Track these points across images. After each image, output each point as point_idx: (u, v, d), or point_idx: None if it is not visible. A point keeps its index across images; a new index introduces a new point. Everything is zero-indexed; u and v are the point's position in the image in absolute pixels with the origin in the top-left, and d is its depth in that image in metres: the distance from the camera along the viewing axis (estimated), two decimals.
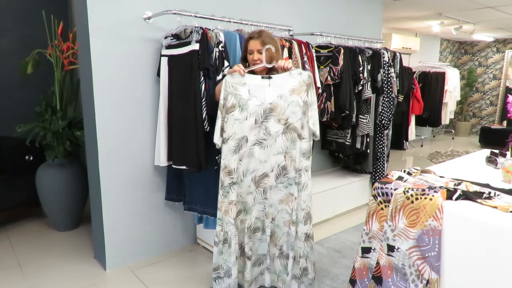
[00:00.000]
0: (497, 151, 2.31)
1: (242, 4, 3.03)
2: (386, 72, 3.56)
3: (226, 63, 2.29)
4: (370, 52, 3.48)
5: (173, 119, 2.42)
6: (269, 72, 2.09)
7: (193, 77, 2.25)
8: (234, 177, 2.05)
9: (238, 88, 2.00)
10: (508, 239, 1.33)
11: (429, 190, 1.57)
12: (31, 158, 3.41)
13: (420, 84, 6.31)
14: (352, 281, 1.87)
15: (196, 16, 2.37)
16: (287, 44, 2.77)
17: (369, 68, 3.42)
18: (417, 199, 1.57)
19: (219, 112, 2.05)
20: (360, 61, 3.32)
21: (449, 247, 1.48)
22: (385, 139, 3.76)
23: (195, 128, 2.29)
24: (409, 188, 1.63)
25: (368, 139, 3.62)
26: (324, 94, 3.16)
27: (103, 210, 2.51)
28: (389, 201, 1.68)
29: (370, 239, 1.78)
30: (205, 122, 2.27)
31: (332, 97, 3.17)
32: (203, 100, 2.25)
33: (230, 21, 2.55)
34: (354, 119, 3.36)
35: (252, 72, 2.07)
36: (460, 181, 1.73)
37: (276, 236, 2.18)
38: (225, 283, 2.15)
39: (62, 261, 2.69)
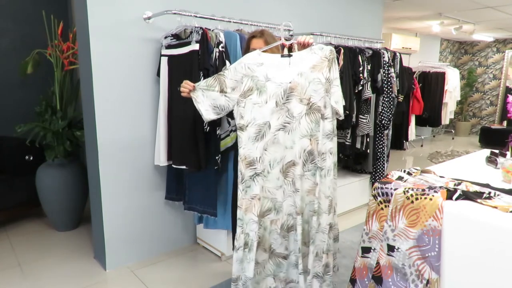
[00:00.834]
0: (497, 151, 2.31)
1: (242, 4, 3.03)
2: (386, 72, 3.56)
3: (228, 63, 2.29)
4: (370, 52, 3.48)
5: (173, 119, 2.42)
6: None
7: (193, 77, 2.24)
8: (258, 168, 1.81)
9: (254, 69, 1.81)
10: (508, 239, 1.33)
11: (429, 190, 1.57)
12: (31, 158, 3.41)
13: (420, 84, 6.31)
14: (352, 281, 1.87)
15: (196, 16, 2.37)
16: (287, 44, 2.76)
17: (369, 68, 3.42)
18: (417, 199, 1.57)
19: (212, 81, 1.85)
20: (360, 61, 3.32)
21: (449, 247, 1.48)
22: (385, 139, 3.76)
23: (195, 128, 2.29)
24: (409, 188, 1.63)
25: (368, 139, 3.62)
26: None
27: (103, 210, 2.51)
28: (389, 201, 1.68)
29: (370, 239, 1.78)
30: (205, 122, 2.27)
31: None
32: None
33: (230, 21, 2.55)
34: (354, 119, 3.36)
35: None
36: (460, 181, 1.73)
37: (305, 234, 1.91)
38: None
39: (62, 261, 2.69)
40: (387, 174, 1.87)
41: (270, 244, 1.90)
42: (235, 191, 2.17)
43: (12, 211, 3.31)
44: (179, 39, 2.43)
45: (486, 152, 2.48)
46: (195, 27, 2.31)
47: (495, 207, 1.45)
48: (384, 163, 3.77)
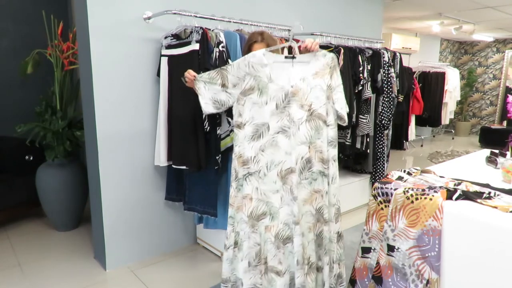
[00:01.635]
0: (497, 151, 2.31)
1: (242, 4, 3.03)
2: (386, 72, 3.56)
3: (230, 62, 2.29)
4: (370, 52, 3.48)
5: (173, 119, 2.42)
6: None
7: None
8: (252, 167, 1.78)
9: (258, 69, 1.78)
10: (508, 239, 1.33)
11: (429, 190, 1.57)
12: (31, 158, 3.41)
13: (420, 84, 6.32)
14: (352, 281, 1.87)
15: (196, 16, 2.37)
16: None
17: (369, 68, 3.42)
18: (417, 199, 1.57)
19: (213, 74, 1.84)
20: (360, 61, 3.32)
21: (449, 247, 1.48)
22: (385, 139, 3.76)
23: (195, 128, 2.29)
24: (409, 188, 1.63)
25: (368, 139, 3.62)
26: None
27: (103, 210, 2.51)
28: (389, 201, 1.68)
29: (370, 239, 1.78)
30: (205, 122, 2.26)
31: None
32: None
33: (230, 21, 2.55)
34: (354, 119, 3.36)
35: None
36: (460, 181, 1.73)
37: (304, 248, 1.78)
38: None
39: (62, 261, 2.69)
40: (387, 174, 1.87)
41: (266, 256, 1.80)
42: None
43: (12, 211, 3.31)
44: (179, 39, 2.43)
45: (486, 152, 2.48)
46: (195, 27, 2.31)
47: (495, 207, 1.45)
48: (384, 163, 3.77)
